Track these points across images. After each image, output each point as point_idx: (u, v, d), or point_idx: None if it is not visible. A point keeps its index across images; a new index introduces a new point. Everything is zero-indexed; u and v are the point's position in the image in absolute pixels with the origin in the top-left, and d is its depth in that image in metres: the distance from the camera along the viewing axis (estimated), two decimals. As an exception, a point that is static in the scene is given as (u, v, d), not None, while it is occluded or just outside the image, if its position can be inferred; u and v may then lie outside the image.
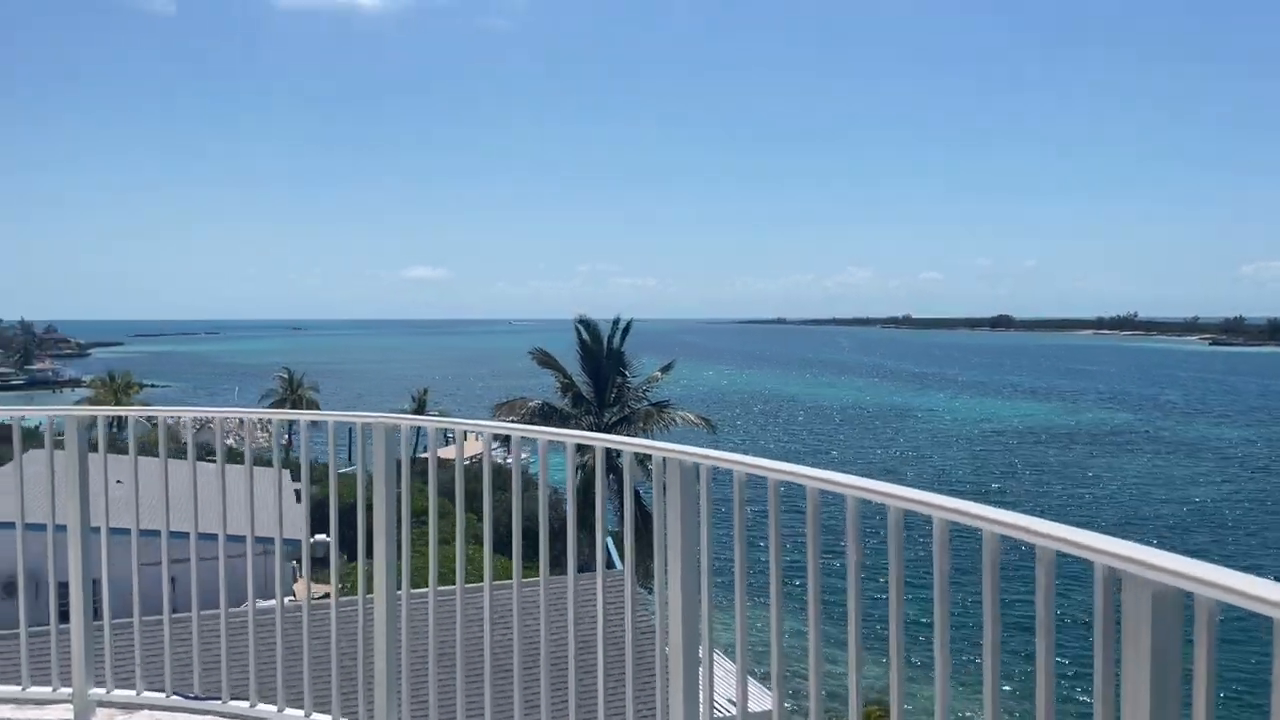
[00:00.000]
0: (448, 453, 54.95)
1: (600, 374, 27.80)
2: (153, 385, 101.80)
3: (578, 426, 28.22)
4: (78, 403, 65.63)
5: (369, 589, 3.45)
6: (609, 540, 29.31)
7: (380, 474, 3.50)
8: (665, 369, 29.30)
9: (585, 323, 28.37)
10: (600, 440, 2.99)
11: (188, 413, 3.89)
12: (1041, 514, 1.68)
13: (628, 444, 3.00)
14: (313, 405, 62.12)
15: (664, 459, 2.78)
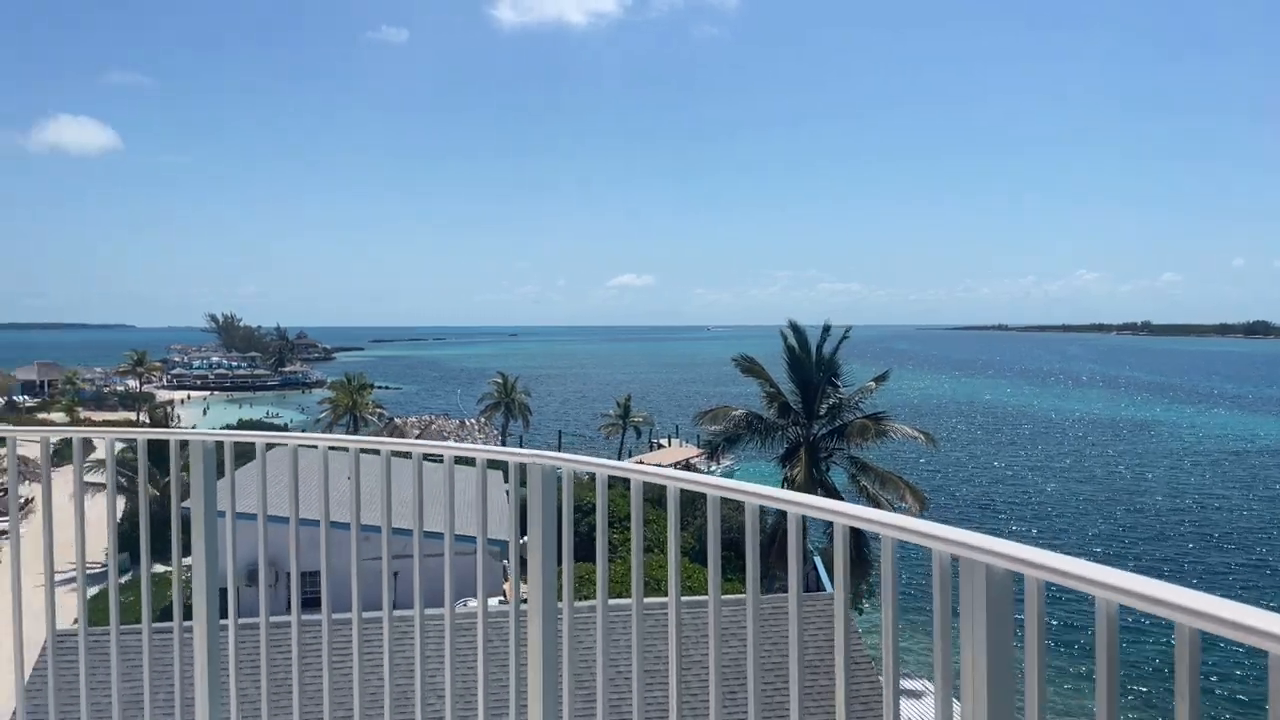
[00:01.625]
0: (653, 457, 54.74)
1: (809, 383, 26.37)
2: (384, 386, 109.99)
3: (783, 438, 27.02)
4: (320, 402, 71.67)
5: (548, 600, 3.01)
6: (817, 559, 27.70)
7: (537, 512, 2.94)
8: (880, 378, 27.33)
9: (794, 328, 27.03)
10: (846, 516, 1.96)
11: (314, 440, 3.26)
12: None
13: (886, 524, 1.86)
14: (524, 408, 64.53)
15: (952, 556, 1.76)
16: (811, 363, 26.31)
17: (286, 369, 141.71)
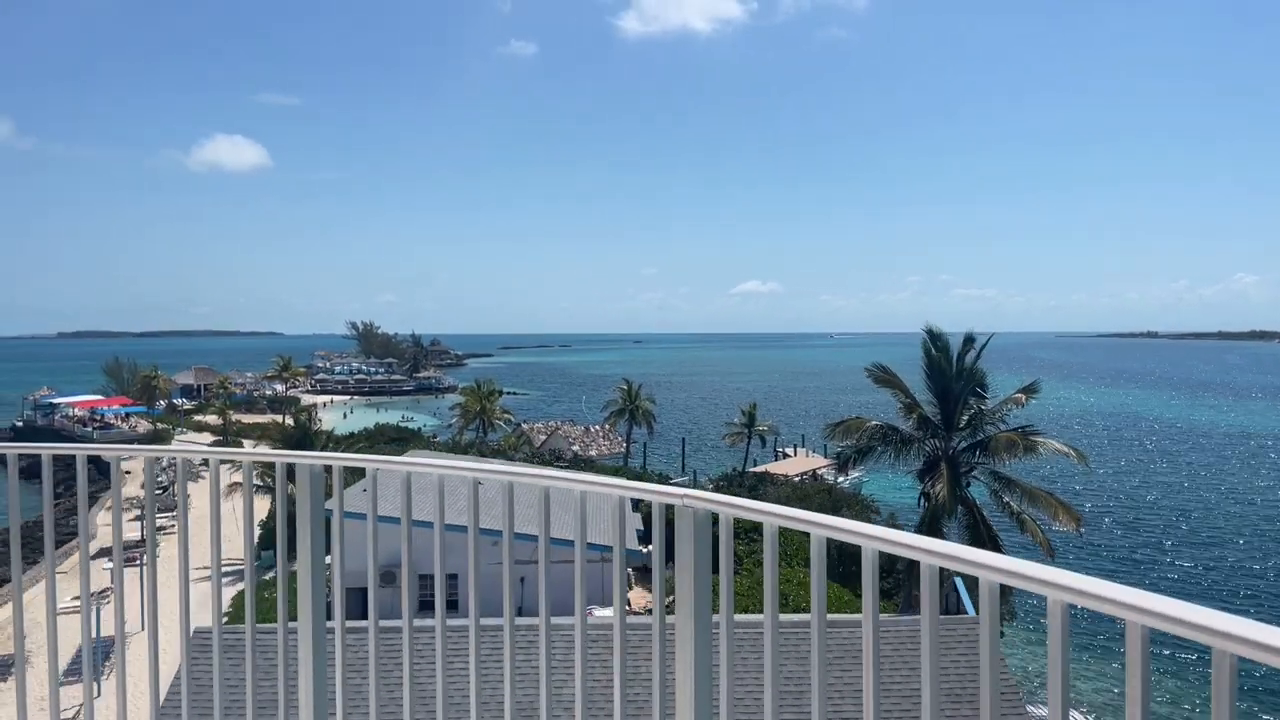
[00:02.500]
0: (779, 467, 53.47)
1: (949, 393, 24.90)
2: (513, 392, 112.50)
3: (920, 451, 25.69)
4: (452, 408, 73.87)
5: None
6: (957, 580, 26.30)
7: (688, 547, 2.47)
8: (1028, 390, 25.51)
9: (932, 336, 25.59)
10: (1046, 584, 1.50)
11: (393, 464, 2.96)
12: None
13: (1116, 602, 1.37)
14: (649, 415, 64.45)
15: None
16: (952, 372, 24.83)
17: (421, 374, 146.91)
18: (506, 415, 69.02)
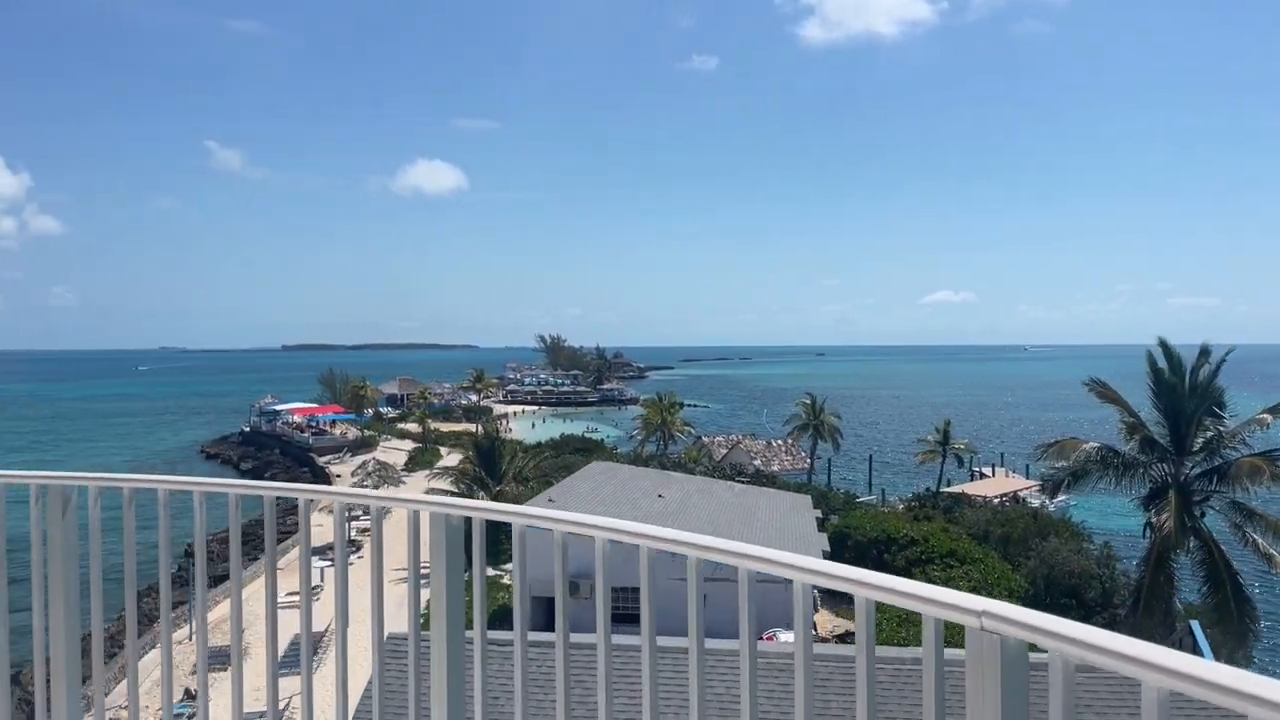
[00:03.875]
0: (976, 488, 50.32)
1: (1180, 413, 22.28)
2: (693, 405, 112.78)
3: (1146, 476, 23.23)
4: (634, 420, 74.80)
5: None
6: (1194, 622, 23.49)
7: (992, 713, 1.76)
8: (1276, 409, 22.46)
9: (1164, 348, 22.94)
10: None
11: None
12: None
13: None
14: (834, 431, 62.55)
15: None
16: (1184, 389, 22.20)
17: (604, 386, 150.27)
18: (687, 427, 69.11)
